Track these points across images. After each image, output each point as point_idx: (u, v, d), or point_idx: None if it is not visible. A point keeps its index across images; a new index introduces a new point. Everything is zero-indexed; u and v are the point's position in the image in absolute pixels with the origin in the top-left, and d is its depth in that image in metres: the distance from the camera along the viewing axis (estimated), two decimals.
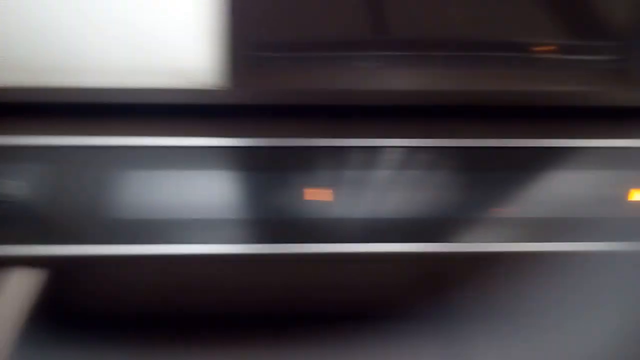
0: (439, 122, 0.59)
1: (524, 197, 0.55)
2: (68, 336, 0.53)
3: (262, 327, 0.58)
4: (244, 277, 0.56)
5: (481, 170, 0.56)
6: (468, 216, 0.54)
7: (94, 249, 0.51)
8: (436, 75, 0.60)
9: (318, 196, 0.54)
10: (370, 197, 0.54)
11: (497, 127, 0.59)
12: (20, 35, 0.52)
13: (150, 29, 0.52)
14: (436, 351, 0.59)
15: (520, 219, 0.54)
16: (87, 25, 0.52)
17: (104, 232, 0.51)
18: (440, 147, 0.57)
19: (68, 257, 0.51)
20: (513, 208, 0.54)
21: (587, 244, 0.54)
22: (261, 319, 0.59)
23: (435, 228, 0.53)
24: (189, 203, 0.53)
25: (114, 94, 0.54)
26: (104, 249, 0.51)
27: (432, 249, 0.53)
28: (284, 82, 0.56)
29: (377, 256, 0.53)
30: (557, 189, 0.56)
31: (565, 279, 0.55)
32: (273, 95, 0.56)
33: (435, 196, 0.55)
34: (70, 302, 0.57)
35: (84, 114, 0.55)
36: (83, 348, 0.55)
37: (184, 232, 0.52)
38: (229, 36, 0.54)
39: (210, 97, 0.55)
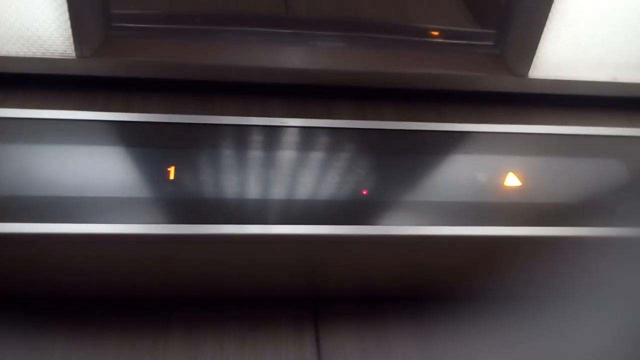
0: (311, 102, 0.57)
1: (404, 180, 0.53)
2: None
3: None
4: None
5: (361, 152, 0.55)
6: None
7: None
8: (312, 55, 0.59)
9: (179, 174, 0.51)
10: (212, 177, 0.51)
11: (372, 108, 0.58)
12: None
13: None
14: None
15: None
16: None
17: None
18: (310, 127, 0.55)
19: None
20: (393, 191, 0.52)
21: None
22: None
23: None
24: (39, 179, 0.49)
25: None
26: None
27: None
28: (145, 54, 0.54)
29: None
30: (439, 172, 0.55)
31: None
32: (133, 66, 0.54)
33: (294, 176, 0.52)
34: None
35: None
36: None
37: (31, 210, 0.48)
38: (85, 3, 0.51)
39: (65, 68, 0.52)
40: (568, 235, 0.52)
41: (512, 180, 0.54)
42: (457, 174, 0.54)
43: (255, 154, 0.52)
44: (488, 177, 0.54)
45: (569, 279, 0.54)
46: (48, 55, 0.52)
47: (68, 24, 0.51)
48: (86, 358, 0.50)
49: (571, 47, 0.57)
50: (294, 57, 0.58)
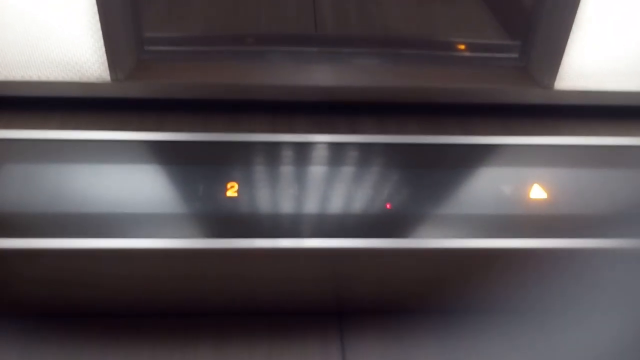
0: (336, 118, 0.58)
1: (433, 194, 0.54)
2: None
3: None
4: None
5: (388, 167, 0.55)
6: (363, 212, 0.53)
7: None
8: (338, 72, 0.61)
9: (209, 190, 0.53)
10: (271, 193, 0.53)
11: (396, 123, 0.59)
12: None
13: (41, 24, 0.52)
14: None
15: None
16: None
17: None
18: (336, 142, 0.56)
19: None
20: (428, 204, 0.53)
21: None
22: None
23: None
24: (85, 197, 0.51)
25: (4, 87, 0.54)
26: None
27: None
28: (177, 76, 0.56)
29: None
30: (464, 185, 0.55)
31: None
32: (166, 88, 0.56)
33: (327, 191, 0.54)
34: None
35: None
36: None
37: (86, 226, 0.50)
38: (119, 29, 0.54)
39: (100, 91, 0.55)
40: (600, 247, 0.51)
41: (539, 193, 0.54)
42: (483, 187, 0.54)
43: (281, 170, 0.53)
44: (514, 189, 0.54)
45: (598, 292, 0.54)
46: (85, 79, 0.55)
47: (103, 50, 0.53)
48: None
49: (596, 57, 0.57)
50: (321, 75, 0.60)
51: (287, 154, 0.55)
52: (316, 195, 0.53)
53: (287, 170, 0.54)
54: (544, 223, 0.52)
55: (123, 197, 0.51)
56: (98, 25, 0.52)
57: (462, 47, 0.67)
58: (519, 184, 0.54)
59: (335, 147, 0.56)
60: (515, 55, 0.62)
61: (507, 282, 0.54)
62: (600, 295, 0.54)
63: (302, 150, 0.55)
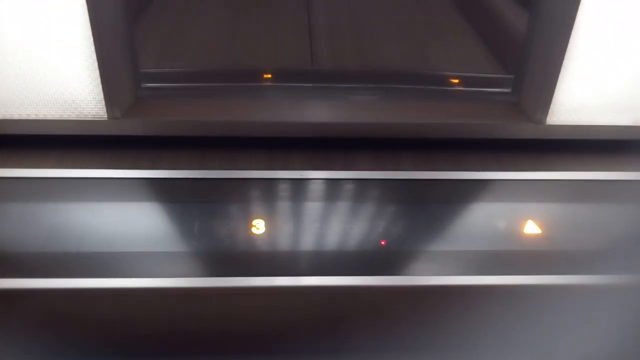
0: (331, 153, 0.59)
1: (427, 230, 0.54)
2: None
3: None
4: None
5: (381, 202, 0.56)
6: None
7: None
8: (334, 108, 0.61)
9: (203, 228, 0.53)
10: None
11: (390, 159, 0.59)
12: None
13: (39, 63, 0.53)
14: None
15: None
16: None
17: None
18: (330, 179, 0.57)
19: None
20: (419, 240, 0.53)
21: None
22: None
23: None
24: (83, 235, 0.52)
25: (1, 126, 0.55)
26: None
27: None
28: (174, 113, 0.57)
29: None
30: (455, 222, 0.55)
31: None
32: (163, 126, 0.56)
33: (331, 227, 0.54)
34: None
35: None
36: None
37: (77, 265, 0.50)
38: (116, 67, 0.54)
39: (97, 129, 0.55)
40: (595, 283, 0.51)
41: (532, 228, 0.54)
42: (477, 223, 0.54)
43: (277, 206, 0.54)
44: (508, 225, 0.54)
45: (595, 328, 0.53)
46: (82, 117, 0.56)
47: (100, 88, 0.54)
48: None
49: (588, 92, 0.58)
50: (317, 112, 0.60)
51: (283, 190, 0.56)
52: (310, 232, 0.53)
53: (282, 206, 0.54)
54: (539, 259, 0.52)
55: (110, 235, 0.51)
56: (95, 64, 0.53)
57: (456, 81, 0.68)
58: (513, 219, 0.55)
59: (330, 183, 0.56)
60: (508, 89, 0.63)
61: (503, 318, 0.54)
62: (597, 331, 0.54)
63: (298, 187, 0.56)
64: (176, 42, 0.74)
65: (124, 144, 0.57)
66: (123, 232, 0.51)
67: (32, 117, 0.56)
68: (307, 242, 0.52)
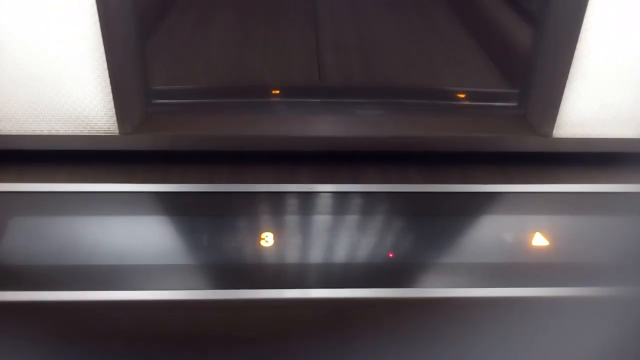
0: (338, 167, 0.59)
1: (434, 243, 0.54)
2: None
3: None
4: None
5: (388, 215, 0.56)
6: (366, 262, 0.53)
7: None
8: (342, 123, 0.62)
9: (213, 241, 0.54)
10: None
11: (397, 172, 0.60)
12: None
13: (52, 80, 0.54)
14: None
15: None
16: None
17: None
18: (337, 192, 0.57)
19: None
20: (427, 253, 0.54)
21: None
22: None
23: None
24: (94, 248, 0.52)
25: (11, 141, 0.56)
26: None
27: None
28: (184, 128, 0.58)
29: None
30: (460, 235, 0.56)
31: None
32: (172, 141, 0.57)
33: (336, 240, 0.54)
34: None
35: None
36: None
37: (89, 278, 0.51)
38: (127, 84, 0.56)
39: (108, 144, 0.56)
40: (603, 295, 0.51)
41: (539, 241, 0.55)
42: (485, 235, 0.54)
43: (285, 220, 0.54)
44: (515, 237, 0.55)
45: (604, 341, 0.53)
46: (93, 132, 0.57)
47: (112, 104, 0.55)
48: None
49: (593, 105, 0.58)
50: (324, 126, 0.61)
51: (290, 203, 0.56)
52: (318, 244, 0.53)
53: (289, 219, 0.55)
54: (546, 271, 0.52)
55: (121, 248, 0.52)
56: (107, 81, 0.54)
57: (463, 95, 0.68)
58: (520, 232, 0.55)
59: (337, 196, 0.57)
60: (514, 103, 0.64)
61: (511, 330, 0.54)
62: (607, 343, 0.54)
63: (305, 200, 0.56)
64: (186, 58, 0.75)
65: (134, 159, 0.58)
66: (133, 246, 0.52)
67: (45, 132, 0.57)
68: (315, 254, 0.53)
